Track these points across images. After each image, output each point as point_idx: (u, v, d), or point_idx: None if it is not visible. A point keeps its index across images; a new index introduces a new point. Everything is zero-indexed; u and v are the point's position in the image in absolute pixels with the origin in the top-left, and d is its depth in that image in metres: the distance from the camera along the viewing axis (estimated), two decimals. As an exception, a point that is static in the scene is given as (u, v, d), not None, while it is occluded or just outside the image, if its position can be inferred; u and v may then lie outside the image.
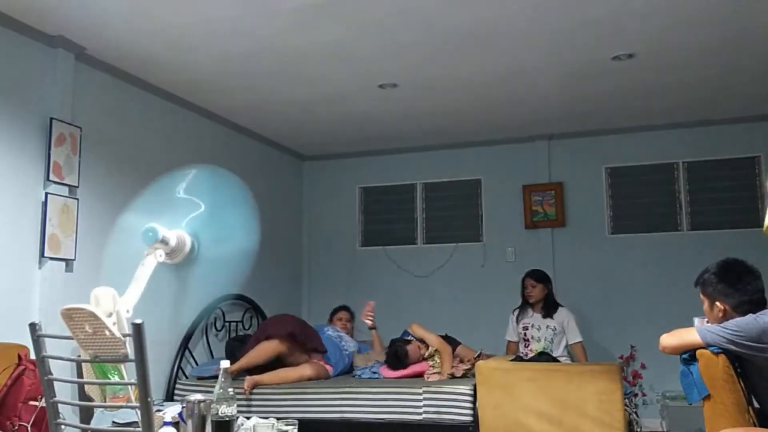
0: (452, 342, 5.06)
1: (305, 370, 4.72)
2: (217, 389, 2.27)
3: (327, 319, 5.71)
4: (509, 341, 5.37)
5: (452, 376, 4.52)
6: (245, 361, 4.60)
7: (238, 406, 3.31)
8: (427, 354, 4.76)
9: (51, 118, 3.95)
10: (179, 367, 4.94)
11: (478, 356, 4.68)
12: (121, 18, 3.82)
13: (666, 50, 4.38)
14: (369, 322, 5.29)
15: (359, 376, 4.82)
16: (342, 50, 4.31)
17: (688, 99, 5.38)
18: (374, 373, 4.82)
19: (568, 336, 5.17)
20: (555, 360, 4.62)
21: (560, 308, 5.27)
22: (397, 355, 4.76)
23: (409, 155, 6.79)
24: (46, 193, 3.89)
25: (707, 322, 2.80)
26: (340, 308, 5.68)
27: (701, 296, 2.81)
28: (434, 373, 4.59)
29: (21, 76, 3.87)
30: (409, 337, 5.00)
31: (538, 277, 5.30)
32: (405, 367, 4.75)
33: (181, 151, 5.14)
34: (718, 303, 2.71)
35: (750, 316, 2.59)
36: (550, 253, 6.22)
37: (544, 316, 5.22)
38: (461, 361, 4.70)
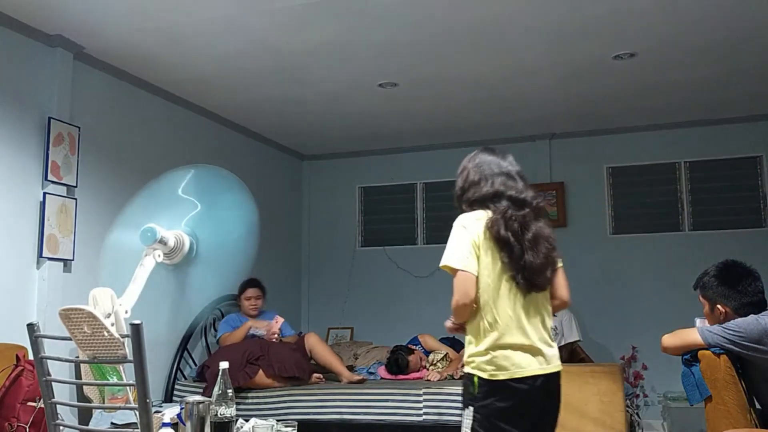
0: (459, 346, 5.06)
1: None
2: (216, 390, 2.25)
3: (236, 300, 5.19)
4: None
5: (451, 377, 4.51)
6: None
7: (237, 407, 3.30)
8: (435, 360, 4.75)
9: (49, 118, 3.93)
10: (178, 368, 4.92)
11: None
12: (119, 17, 3.80)
13: (667, 49, 4.36)
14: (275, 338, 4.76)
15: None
16: (342, 49, 4.30)
17: (689, 98, 5.36)
18: (371, 373, 4.82)
19: (565, 334, 5.15)
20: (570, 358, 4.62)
21: None
22: (398, 364, 4.79)
23: (409, 155, 6.78)
24: (44, 193, 3.88)
25: (706, 322, 2.80)
26: (250, 284, 5.03)
27: (701, 299, 2.81)
28: (435, 372, 4.59)
29: (19, 75, 3.86)
30: (417, 346, 5.00)
31: None
32: (404, 375, 4.76)
33: (180, 151, 5.12)
34: (719, 306, 2.71)
35: (751, 317, 2.58)
36: (550, 254, 6.19)
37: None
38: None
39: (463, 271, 2.35)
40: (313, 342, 4.79)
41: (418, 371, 4.77)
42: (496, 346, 2.29)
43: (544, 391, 2.31)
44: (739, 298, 2.67)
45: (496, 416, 2.23)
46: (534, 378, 2.27)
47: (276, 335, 4.73)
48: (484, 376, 2.28)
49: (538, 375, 2.28)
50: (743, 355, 2.56)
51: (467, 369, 2.35)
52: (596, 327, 5.92)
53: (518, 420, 2.24)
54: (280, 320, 4.85)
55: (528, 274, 2.34)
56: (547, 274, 2.41)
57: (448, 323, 2.52)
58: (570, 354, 5.06)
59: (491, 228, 2.35)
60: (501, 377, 2.25)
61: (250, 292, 5.01)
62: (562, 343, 5.11)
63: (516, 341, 2.29)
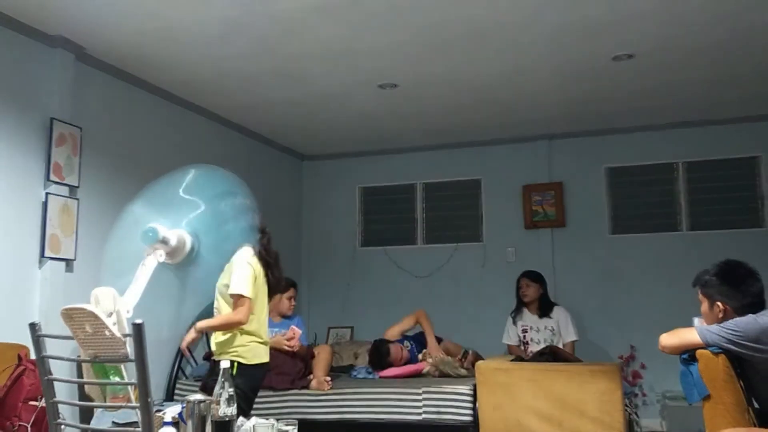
0: (438, 339, 5.09)
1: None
2: (217, 389, 2.26)
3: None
4: (509, 345, 5.35)
5: (447, 375, 4.52)
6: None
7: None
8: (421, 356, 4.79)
9: (51, 119, 3.95)
10: (179, 367, 4.93)
11: (465, 354, 4.68)
12: (121, 18, 3.82)
13: (666, 50, 4.37)
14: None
15: (355, 375, 4.84)
16: (342, 50, 4.31)
17: (688, 99, 5.37)
18: (369, 373, 4.83)
19: (561, 334, 5.15)
20: (555, 359, 4.61)
21: (556, 307, 5.27)
22: (378, 352, 4.82)
23: (409, 155, 6.79)
24: (47, 193, 3.89)
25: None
26: (291, 284, 4.95)
27: (701, 297, 2.80)
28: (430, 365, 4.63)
29: (21, 77, 3.87)
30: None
31: (533, 276, 5.30)
32: (387, 365, 4.78)
33: (181, 151, 5.13)
34: (719, 303, 2.70)
35: (750, 316, 2.58)
36: (550, 254, 6.22)
37: (540, 316, 5.23)
38: (448, 353, 4.72)
39: (248, 298, 3.27)
40: (321, 349, 4.83)
41: (401, 360, 4.79)
42: (252, 341, 3.32)
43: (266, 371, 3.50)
44: (741, 298, 2.67)
45: (249, 389, 3.25)
46: (267, 363, 3.41)
47: (295, 345, 4.61)
48: (243, 361, 3.26)
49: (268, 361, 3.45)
50: (742, 354, 2.56)
51: (229, 357, 3.26)
52: (595, 326, 5.94)
53: (257, 390, 3.36)
54: (298, 332, 4.68)
55: (273, 288, 3.46)
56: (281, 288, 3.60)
57: (193, 334, 3.55)
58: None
59: (261, 257, 3.36)
60: (255, 362, 3.29)
61: (292, 291, 4.96)
62: (560, 344, 5.12)
63: (263, 338, 3.40)
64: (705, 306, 2.78)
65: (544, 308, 5.24)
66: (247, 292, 3.27)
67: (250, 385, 3.28)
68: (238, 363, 3.25)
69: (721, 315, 2.69)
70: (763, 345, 2.51)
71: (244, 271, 3.28)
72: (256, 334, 3.37)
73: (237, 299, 3.29)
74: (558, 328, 5.17)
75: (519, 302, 5.33)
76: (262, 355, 3.37)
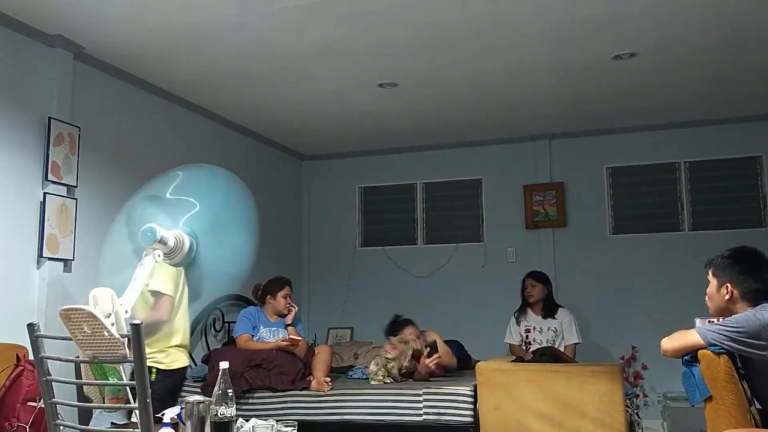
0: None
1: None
2: (216, 390, 2.25)
3: (258, 297, 5.05)
4: (511, 344, 5.34)
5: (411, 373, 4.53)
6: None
7: (238, 407, 3.31)
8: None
9: (49, 118, 3.93)
10: (178, 367, 4.91)
11: (428, 347, 4.61)
12: (119, 17, 3.81)
13: (667, 49, 4.36)
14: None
15: (351, 376, 4.85)
16: (342, 49, 4.30)
17: (689, 98, 5.37)
18: (363, 373, 4.83)
19: (565, 336, 5.14)
20: (555, 359, 4.60)
21: (560, 309, 5.26)
22: (394, 321, 4.89)
23: (409, 155, 6.78)
24: (45, 193, 3.88)
25: (708, 322, 2.78)
26: (286, 282, 4.97)
27: (710, 277, 2.77)
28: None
29: (19, 76, 3.86)
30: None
31: (539, 277, 5.29)
32: (394, 333, 4.77)
33: (180, 151, 5.12)
34: (728, 285, 2.68)
35: (749, 312, 2.58)
36: (551, 254, 6.21)
37: (544, 317, 5.21)
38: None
39: (169, 296, 3.25)
40: (321, 350, 4.81)
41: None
42: (173, 346, 3.35)
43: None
44: (753, 282, 2.65)
45: (167, 393, 3.21)
46: (186, 367, 3.46)
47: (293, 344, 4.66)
48: (162, 367, 3.31)
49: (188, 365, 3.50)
50: (742, 353, 2.56)
51: (147, 363, 3.08)
52: (596, 327, 5.93)
53: (176, 394, 3.34)
54: (304, 346, 4.76)
55: (193, 291, 3.42)
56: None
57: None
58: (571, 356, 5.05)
59: None
60: (174, 367, 3.33)
61: (288, 290, 4.95)
62: (562, 345, 5.10)
63: (184, 342, 3.43)
64: (712, 286, 2.75)
65: (549, 309, 5.23)
66: (167, 289, 3.24)
67: (169, 390, 3.30)
68: (157, 369, 3.30)
69: (727, 297, 2.67)
70: (763, 341, 2.50)
71: (165, 270, 3.20)
72: (175, 338, 3.37)
73: (158, 297, 3.24)
74: (561, 329, 5.16)
75: (524, 302, 5.32)
76: (180, 360, 3.39)
